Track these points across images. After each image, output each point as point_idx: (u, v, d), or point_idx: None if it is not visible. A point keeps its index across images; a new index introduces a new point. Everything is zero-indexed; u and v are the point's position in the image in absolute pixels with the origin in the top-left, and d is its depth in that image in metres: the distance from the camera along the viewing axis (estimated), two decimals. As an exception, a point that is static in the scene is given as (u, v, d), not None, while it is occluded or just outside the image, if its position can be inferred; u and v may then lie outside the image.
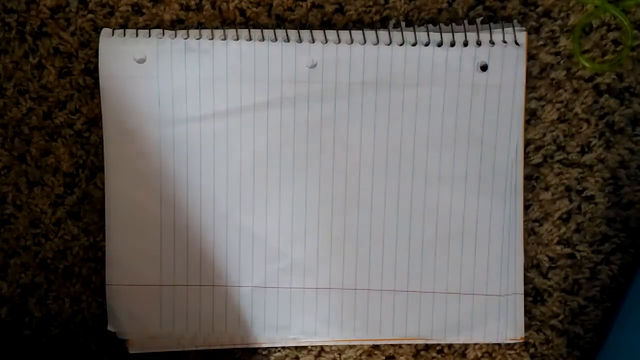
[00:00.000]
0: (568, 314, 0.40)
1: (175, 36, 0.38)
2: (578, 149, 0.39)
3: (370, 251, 0.39)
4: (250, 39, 0.38)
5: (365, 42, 0.38)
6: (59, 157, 0.39)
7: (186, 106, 0.38)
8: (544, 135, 0.39)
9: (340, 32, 0.38)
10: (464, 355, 0.40)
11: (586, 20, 0.38)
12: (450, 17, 0.38)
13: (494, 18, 0.38)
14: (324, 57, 0.38)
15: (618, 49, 0.38)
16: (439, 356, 0.40)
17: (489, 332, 0.39)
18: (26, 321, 0.40)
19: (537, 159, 0.39)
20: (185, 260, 0.39)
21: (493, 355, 0.40)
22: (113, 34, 0.38)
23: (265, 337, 0.40)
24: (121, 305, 0.39)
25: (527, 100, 0.39)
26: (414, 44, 0.38)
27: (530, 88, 0.38)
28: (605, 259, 0.39)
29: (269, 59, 0.38)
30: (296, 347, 0.40)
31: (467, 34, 0.37)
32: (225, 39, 0.38)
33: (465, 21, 0.38)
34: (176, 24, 0.39)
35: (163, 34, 0.38)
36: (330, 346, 0.40)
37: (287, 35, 0.38)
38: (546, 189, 0.39)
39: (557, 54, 0.38)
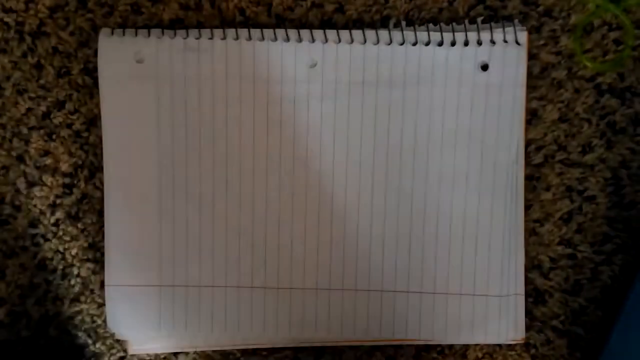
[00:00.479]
0: (569, 315, 0.40)
1: (175, 36, 0.38)
2: (579, 149, 0.39)
3: (370, 251, 0.39)
4: (250, 38, 0.38)
5: (365, 41, 0.37)
6: (58, 157, 0.39)
7: (185, 106, 0.38)
8: (545, 135, 0.39)
9: (340, 31, 0.38)
10: (464, 356, 0.40)
11: (587, 20, 0.38)
12: (451, 16, 0.38)
13: (495, 17, 0.38)
14: (324, 57, 0.38)
15: (619, 48, 0.38)
16: (440, 357, 0.40)
17: (490, 332, 0.39)
18: (25, 322, 0.40)
19: (538, 159, 0.39)
20: (185, 260, 0.39)
21: (494, 356, 0.40)
22: (112, 34, 0.38)
23: (265, 337, 0.40)
24: (121, 305, 0.39)
25: (528, 100, 0.38)
26: (415, 44, 0.37)
27: (531, 88, 0.38)
28: (607, 259, 0.39)
29: (269, 58, 0.38)
30: (296, 348, 0.40)
31: (468, 33, 0.37)
32: (224, 38, 0.38)
33: (466, 20, 0.38)
34: (175, 24, 0.39)
35: (162, 33, 0.38)
36: (331, 347, 0.40)
37: (287, 34, 0.38)
38: (547, 189, 0.39)
39: (558, 53, 0.38)
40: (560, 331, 0.40)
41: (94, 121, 0.39)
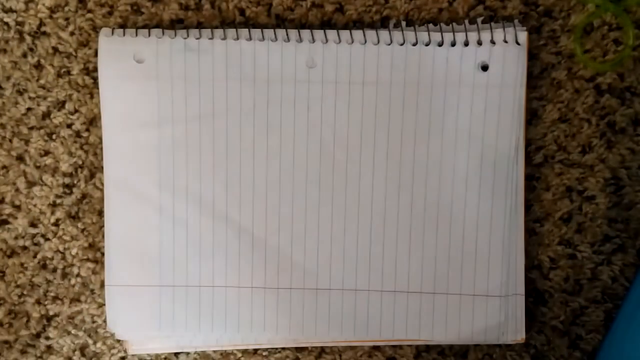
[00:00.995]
0: (569, 315, 0.40)
1: (175, 36, 0.38)
2: (579, 149, 0.39)
3: (370, 252, 0.39)
4: (250, 38, 0.38)
5: (365, 41, 0.37)
6: (58, 157, 0.39)
7: (186, 106, 0.38)
8: (545, 135, 0.39)
9: (340, 31, 0.38)
10: (464, 356, 0.40)
11: (587, 20, 0.38)
12: (451, 16, 0.38)
13: (495, 18, 0.38)
14: (324, 57, 0.38)
15: (619, 48, 0.38)
16: (440, 357, 0.40)
17: (490, 333, 0.39)
18: (25, 322, 0.40)
19: (538, 159, 0.39)
20: (185, 260, 0.39)
21: (494, 356, 0.40)
22: (112, 34, 0.38)
23: (265, 338, 0.40)
24: (120, 305, 0.39)
25: (528, 100, 0.38)
26: (415, 44, 0.37)
27: (531, 88, 0.38)
28: (607, 259, 0.39)
29: (269, 58, 0.38)
30: (296, 348, 0.40)
31: (468, 33, 0.37)
32: (225, 38, 0.38)
33: (466, 21, 0.38)
34: (176, 24, 0.39)
35: (162, 33, 0.38)
36: (330, 347, 0.40)
37: (287, 35, 0.38)
38: (547, 189, 0.39)
39: (558, 53, 0.38)
40: (560, 331, 0.40)
41: (94, 121, 0.39)
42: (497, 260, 0.38)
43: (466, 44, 0.37)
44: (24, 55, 0.39)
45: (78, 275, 0.40)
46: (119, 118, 0.38)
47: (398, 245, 0.39)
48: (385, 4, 0.38)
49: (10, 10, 0.39)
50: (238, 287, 0.39)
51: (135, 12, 0.39)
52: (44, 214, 0.40)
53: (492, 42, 0.37)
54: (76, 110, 0.39)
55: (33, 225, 0.40)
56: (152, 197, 0.38)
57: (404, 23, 0.38)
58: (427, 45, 0.37)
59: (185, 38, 0.38)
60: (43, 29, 0.39)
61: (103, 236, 0.39)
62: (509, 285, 0.39)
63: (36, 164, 0.39)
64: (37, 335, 0.40)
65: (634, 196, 0.39)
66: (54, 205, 0.40)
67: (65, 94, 0.39)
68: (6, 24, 0.39)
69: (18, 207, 0.40)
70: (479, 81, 0.38)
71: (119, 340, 0.40)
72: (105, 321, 0.39)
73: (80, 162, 0.39)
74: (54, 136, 0.39)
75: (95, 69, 0.38)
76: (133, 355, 0.40)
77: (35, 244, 0.40)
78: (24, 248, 0.40)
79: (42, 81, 0.39)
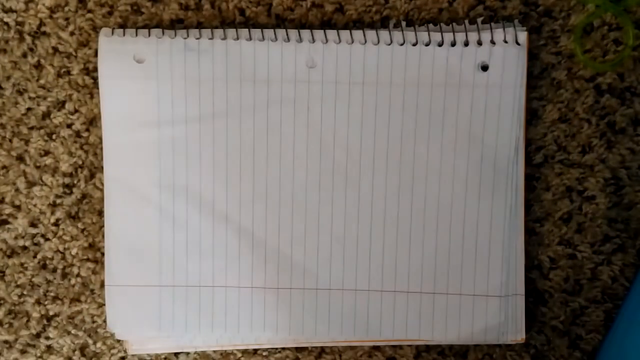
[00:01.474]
0: (569, 315, 0.40)
1: (175, 36, 0.38)
2: (579, 149, 0.39)
3: (370, 252, 0.39)
4: (250, 38, 0.38)
5: (365, 41, 0.37)
6: (58, 157, 0.39)
7: (186, 106, 0.38)
8: (545, 135, 0.39)
9: (340, 31, 0.38)
10: (464, 356, 0.40)
11: (587, 20, 0.38)
12: (451, 16, 0.38)
13: (495, 18, 0.38)
14: (324, 57, 0.38)
15: (619, 48, 0.38)
16: (440, 357, 0.40)
17: (490, 333, 0.39)
18: (25, 321, 0.40)
19: (538, 159, 0.39)
20: (185, 261, 0.39)
21: (494, 356, 0.40)
22: (112, 34, 0.38)
23: (265, 338, 0.40)
24: (120, 305, 0.39)
25: (528, 100, 0.38)
26: (415, 44, 0.37)
27: (531, 88, 0.38)
28: (607, 259, 0.39)
29: (269, 58, 0.38)
30: (296, 348, 0.40)
31: (468, 33, 0.37)
32: (225, 38, 0.38)
33: (466, 21, 0.38)
34: (175, 24, 0.39)
35: (162, 33, 0.38)
36: (331, 347, 0.40)
37: (287, 35, 0.38)
38: (547, 189, 0.39)
39: (558, 53, 0.38)
40: (560, 331, 0.40)
41: (94, 121, 0.39)
42: (497, 260, 0.38)
43: (466, 44, 0.37)
44: (24, 55, 0.39)
45: (78, 275, 0.40)
46: (119, 118, 0.38)
47: (398, 245, 0.39)
48: (385, 4, 0.38)
49: (10, 10, 0.39)
50: (238, 287, 0.39)
51: (135, 12, 0.39)
52: (44, 214, 0.40)
53: (492, 42, 0.37)
54: (76, 110, 0.39)
55: (33, 225, 0.40)
56: (152, 197, 0.38)
57: (404, 23, 0.38)
58: (427, 45, 0.37)
59: (185, 38, 0.38)
60: (43, 29, 0.39)
61: (103, 236, 0.39)
62: (509, 285, 0.39)
63: (36, 164, 0.39)
64: (37, 335, 0.40)
65: (634, 196, 0.39)
66: (54, 205, 0.40)
67: (65, 94, 0.39)
68: (6, 24, 0.39)
69: (18, 207, 0.40)
70: (479, 81, 0.38)
71: (119, 340, 0.40)
72: (105, 321, 0.39)
73: (80, 162, 0.39)
74: (54, 136, 0.39)
75: (95, 69, 0.38)
76: (133, 355, 0.40)
77: (35, 244, 0.40)
78: (24, 248, 0.40)
79: (42, 81, 0.39)
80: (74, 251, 0.40)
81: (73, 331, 0.40)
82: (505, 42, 0.37)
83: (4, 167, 0.39)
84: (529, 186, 0.39)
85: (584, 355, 0.40)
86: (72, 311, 0.40)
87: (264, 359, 0.41)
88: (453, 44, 0.37)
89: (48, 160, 0.39)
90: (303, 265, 0.39)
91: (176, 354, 0.40)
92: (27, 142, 0.39)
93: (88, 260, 0.40)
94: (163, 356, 0.41)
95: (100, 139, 0.39)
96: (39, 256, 0.40)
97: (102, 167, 0.39)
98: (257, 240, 0.39)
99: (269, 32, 0.38)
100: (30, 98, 0.39)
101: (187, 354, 0.40)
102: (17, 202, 0.40)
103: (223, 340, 0.40)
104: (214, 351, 0.40)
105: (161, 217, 0.39)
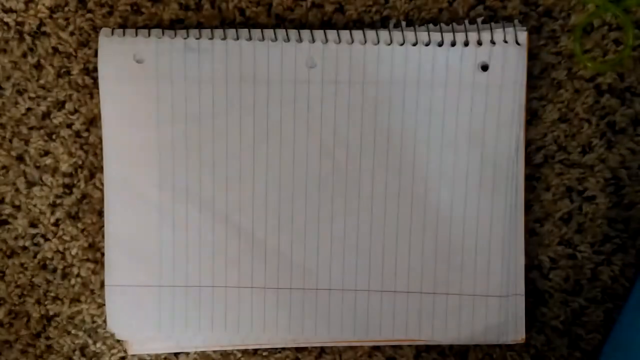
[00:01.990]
0: (569, 315, 0.40)
1: (175, 36, 0.38)
2: (579, 149, 0.39)
3: (370, 252, 0.39)
4: (250, 38, 0.38)
5: (365, 41, 0.37)
6: (58, 157, 0.39)
7: (186, 106, 0.38)
8: (545, 135, 0.39)
9: (340, 31, 0.38)
10: (464, 356, 0.40)
11: (587, 20, 0.38)
12: (451, 16, 0.38)
13: (495, 18, 0.38)
14: (324, 57, 0.38)
15: (619, 48, 0.38)
16: (440, 358, 0.40)
17: (490, 333, 0.39)
18: (25, 322, 0.40)
19: (538, 159, 0.39)
20: (185, 261, 0.39)
21: (494, 356, 0.40)
22: (112, 34, 0.38)
23: (265, 338, 0.40)
24: (120, 306, 0.39)
25: (528, 100, 0.38)
26: (415, 44, 0.37)
27: (531, 88, 0.38)
28: (607, 259, 0.39)
29: (269, 58, 0.38)
30: (296, 349, 0.40)
31: (468, 33, 0.37)
32: (225, 38, 0.38)
33: (466, 21, 0.38)
34: (175, 24, 0.39)
35: (162, 33, 0.38)
36: (331, 347, 0.40)
37: (287, 35, 0.38)
38: (547, 189, 0.39)
39: (558, 53, 0.38)
40: (560, 331, 0.40)
41: (94, 121, 0.39)
42: (497, 260, 0.38)
43: (466, 44, 0.37)
44: (24, 55, 0.39)
45: (78, 275, 0.40)
46: (119, 118, 0.38)
47: (398, 245, 0.39)
48: (385, 4, 0.38)
49: (10, 10, 0.39)
50: (238, 287, 0.39)
51: (135, 12, 0.39)
52: (44, 214, 0.40)
53: (492, 42, 0.37)
54: (76, 110, 0.39)
55: (33, 225, 0.40)
56: (152, 197, 0.38)
57: (404, 23, 0.38)
58: (427, 45, 0.37)
59: (185, 38, 0.37)
60: (43, 29, 0.39)
61: (103, 236, 0.39)
62: (509, 285, 0.39)
63: (36, 164, 0.39)
64: (37, 335, 0.40)
65: (634, 196, 0.39)
66: (54, 205, 0.40)
67: (65, 94, 0.39)
68: (6, 24, 0.39)
69: (18, 207, 0.40)
70: (479, 81, 0.38)
71: (119, 340, 0.40)
72: (105, 321, 0.39)
73: (80, 162, 0.39)
74: (54, 136, 0.39)
75: (95, 69, 0.38)
76: (133, 355, 0.40)
77: (35, 244, 0.40)
78: (24, 248, 0.40)
79: (42, 81, 0.39)
80: (74, 251, 0.40)
81: (73, 331, 0.40)
82: (505, 42, 0.37)
83: (4, 167, 0.39)
84: (529, 186, 0.39)
85: (584, 355, 0.40)
86: (72, 311, 0.40)
87: (264, 359, 0.41)
88: (453, 44, 0.37)
89: (48, 160, 0.39)
90: (303, 265, 0.39)
91: (176, 354, 0.40)
92: (27, 142, 0.39)
93: (88, 260, 0.40)
94: (163, 356, 0.41)
95: (100, 139, 0.39)
96: (39, 256, 0.40)
97: (102, 167, 0.39)
98: (257, 240, 0.39)
99: (269, 32, 0.38)
100: (30, 98, 0.39)
101: (187, 354, 0.40)
102: (17, 202, 0.40)
103: (223, 340, 0.40)
104: (214, 351, 0.40)
105: (161, 217, 0.39)
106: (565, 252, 0.39)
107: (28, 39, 0.39)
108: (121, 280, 0.39)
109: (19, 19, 0.39)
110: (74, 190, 0.40)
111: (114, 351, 0.41)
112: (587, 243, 0.39)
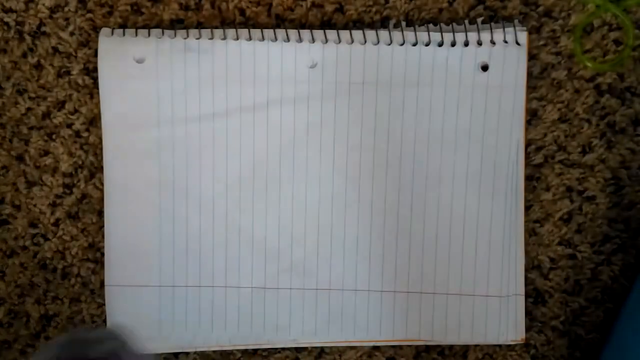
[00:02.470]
0: (569, 315, 0.40)
1: (175, 36, 0.38)
2: (579, 149, 0.39)
3: (370, 252, 0.39)
4: (250, 38, 0.38)
5: (365, 42, 0.37)
6: (58, 157, 0.39)
7: (186, 106, 0.38)
8: (545, 135, 0.39)
9: (340, 32, 0.38)
10: (464, 356, 0.40)
11: (587, 20, 0.38)
12: (451, 16, 0.38)
13: (495, 18, 0.38)
14: (324, 57, 0.38)
15: (619, 48, 0.38)
16: (440, 358, 0.40)
17: (490, 333, 0.39)
18: (24, 321, 0.40)
19: (538, 159, 0.39)
20: (185, 261, 0.39)
21: (494, 356, 0.40)
22: (112, 34, 0.38)
23: (265, 338, 0.40)
24: (120, 306, 0.39)
25: (528, 100, 0.38)
26: (415, 44, 0.37)
27: (531, 88, 0.38)
28: (607, 259, 0.39)
29: (269, 59, 0.38)
30: (296, 349, 0.40)
31: (468, 33, 0.37)
32: (225, 38, 0.38)
33: (466, 21, 0.38)
34: (175, 24, 0.39)
35: (162, 33, 0.38)
36: (330, 347, 0.40)
37: (287, 35, 0.38)
38: (547, 189, 0.39)
39: (558, 53, 0.38)
40: (560, 331, 0.40)
41: (94, 121, 0.39)
42: (497, 260, 0.38)
43: (466, 44, 0.37)
44: (24, 55, 0.39)
45: (78, 275, 0.40)
46: (119, 118, 0.38)
47: (398, 245, 0.39)
48: (385, 4, 0.38)
49: (10, 10, 0.39)
50: (238, 287, 0.39)
51: (135, 12, 0.39)
52: (44, 214, 0.40)
53: (492, 42, 0.37)
54: (76, 110, 0.39)
55: (33, 225, 0.40)
56: (151, 197, 0.38)
57: (404, 23, 0.38)
58: (427, 45, 0.37)
59: (185, 38, 0.37)
60: (43, 29, 0.39)
61: (103, 236, 0.39)
62: (509, 285, 0.39)
63: (36, 164, 0.39)
64: (37, 335, 0.40)
65: (634, 196, 0.39)
66: (54, 205, 0.40)
67: (65, 94, 0.39)
68: (6, 24, 0.39)
69: (18, 207, 0.40)
70: (479, 81, 0.38)
71: (118, 341, 0.40)
72: (105, 321, 0.39)
73: (80, 162, 0.39)
74: (54, 136, 0.39)
75: (95, 69, 0.38)
76: (133, 355, 0.40)
77: (35, 244, 0.40)
78: (24, 248, 0.40)
79: (42, 81, 0.39)
80: (74, 251, 0.40)
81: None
82: (505, 42, 0.37)
83: (4, 167, 0.39)
84: (529, 186, 0.39)
85: (584, 355, 0.40)
86: (72, 311, 0.40)
87: (264, 359, 0.41)
88: (453, 44, 0.37)
89: (48, 160, 0.39)
90: (303, 265, 0.39)
91: (176, 354, 0.40)
92: (27, 142, 0.39)
93: (88, 260, 0.40)
94: (163, 356, 0.40)
95: (100, 139, 0.39)
96: (38, 256, 0.40)
97: (102, 167, 0.39)
98: (257, 240, 0.39)
99: (269, 32, 0.38)
100: (30, 98, 0.39)
101: (187, 354, 0.40)
102: (17, 202, 0.40)
103: (223, 340, 0.40)
104: (214, 351, 0.40)
105: (161, 217, 0.38)
106: (565, 252, 0.39)
107: (28, 39, 0.39)
108: (121, 280, 0.39)
109: (19, 19, 0.39)
110: (74, 190, 0.40)
111: (114, 351, 0.41)
112: (587, 243, 0.39)
